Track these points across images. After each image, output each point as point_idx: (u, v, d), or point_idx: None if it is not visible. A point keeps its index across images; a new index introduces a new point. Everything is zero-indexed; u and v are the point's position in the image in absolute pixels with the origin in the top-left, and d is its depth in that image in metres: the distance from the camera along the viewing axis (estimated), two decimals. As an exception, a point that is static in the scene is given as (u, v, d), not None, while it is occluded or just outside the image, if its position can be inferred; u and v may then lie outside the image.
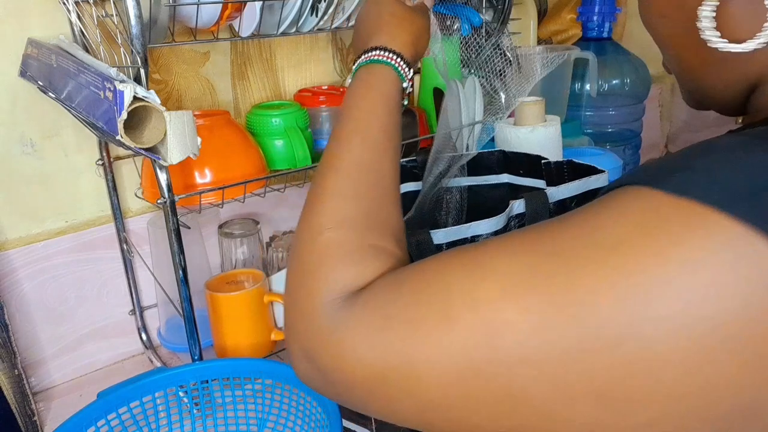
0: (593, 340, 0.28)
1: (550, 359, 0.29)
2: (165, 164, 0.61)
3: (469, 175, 0.79)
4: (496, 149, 0.78)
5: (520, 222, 0.61)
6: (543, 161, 0.73)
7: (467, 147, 1.04)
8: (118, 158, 0.87)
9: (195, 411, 0.70)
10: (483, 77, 1.04)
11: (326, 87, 1.02)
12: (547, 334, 0.29)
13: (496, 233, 0.59)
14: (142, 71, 0.63)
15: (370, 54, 0.53)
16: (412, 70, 0.54)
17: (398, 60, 0.53)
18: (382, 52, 0.53)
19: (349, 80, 0.53)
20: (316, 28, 0.81)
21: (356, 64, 0.54)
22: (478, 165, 0.79)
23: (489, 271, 0.32)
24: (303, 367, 0.38)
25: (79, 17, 0.74)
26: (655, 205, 0.29)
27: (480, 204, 0.79)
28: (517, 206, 0.61)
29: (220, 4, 0.72)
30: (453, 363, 0.31)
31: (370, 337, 0.34)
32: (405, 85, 0.53)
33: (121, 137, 0.57)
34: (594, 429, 0.29)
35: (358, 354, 0.34)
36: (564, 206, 0.64)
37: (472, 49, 1.09)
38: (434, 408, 0.32)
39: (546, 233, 0.32)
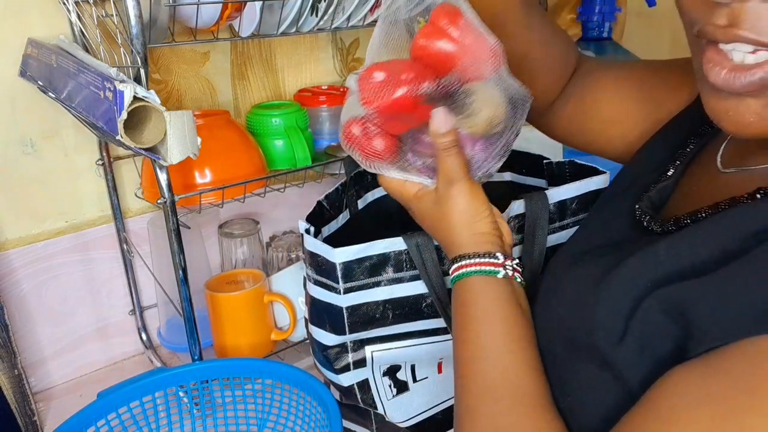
0: None
1: None
2: (165, 164, 0.61)
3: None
4: None
5: (519, 223, 0.61)
6: (545, 161, 0.73)
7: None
8: (118, 158, 0.87)
9: (195, 411, 0.70)
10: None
11: (326, 87, 1.02)
12: None
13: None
14: (142, 71, 0.63)
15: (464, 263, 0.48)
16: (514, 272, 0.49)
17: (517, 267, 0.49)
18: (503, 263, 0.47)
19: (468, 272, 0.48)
20: (316, 28, 0.81)
21: (478, 270, 0.47)
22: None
23: None
24: None
25: (79, 17, 0.74)
26: None
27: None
28: (517, 207, 0.61)
29: (220, 4, 0.72)
30: None
31: None
32: (519, 280, 0.49)
33: (121, 137, 0.57)
34: None
35: None
36: (564, 207, 0.64)
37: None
38: None
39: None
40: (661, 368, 0.34)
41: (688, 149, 0.48)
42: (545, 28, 0.60)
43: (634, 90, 0.57)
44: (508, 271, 0.47)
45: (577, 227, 0.65)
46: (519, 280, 0.49)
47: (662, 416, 0.32)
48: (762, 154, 0.41)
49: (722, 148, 0.45)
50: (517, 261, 0.49)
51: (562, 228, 0.64)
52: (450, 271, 0.49)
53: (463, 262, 0.47)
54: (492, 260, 0.47)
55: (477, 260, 0.47)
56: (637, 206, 0.47)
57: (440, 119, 0.47)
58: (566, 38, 0.63)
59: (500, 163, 0.51)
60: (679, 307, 0.34)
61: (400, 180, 0.52)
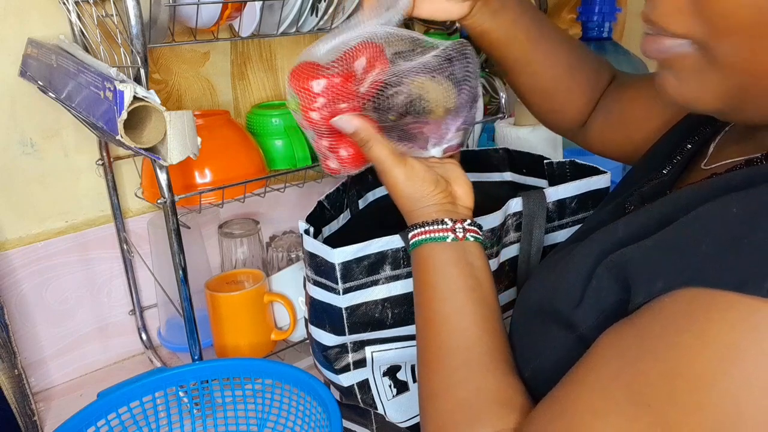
0: None
1: None
2: (165, 164, 0.61)
3: (473, 171, 0.79)
4: (500, 147, 0.78)
5: (517, 221, 0.61)
6: (545, 161, 0.73)
7: (467, 147, 1.04)
8: (118, 158, 0.87)
9: (195, 411, 0.70)
10: (483, 77, 1.04)
11: (326, 87, 1.02)
12: None
13: (492, 230, 0.59)
14: (142, 71, 0.63)
15: (462, 230, 0.50)
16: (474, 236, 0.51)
17: (474, 228, 0.51)
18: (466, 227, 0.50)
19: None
20: (316, 28, 0.81)
21: (439, 236, 0.50)
22: (482, 162, 0.79)
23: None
24: None
25: (79, 17, 0.74)
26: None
27: (482, 200, 0.79)
28: (515, 204, 0.61)
29: (220, 4, 0.72)
30: None
31: None
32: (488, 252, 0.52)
33: (121, 137, 0.57)
34: None
35: None
36: (563, 206, 0.64)
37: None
38: None
39: (617, 381, 0.33)
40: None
41: (686, 148, 0.49)
42: (571, 55, 0.63)
43: (650, 98, 0.59)
44: (458, 233, 0.50)
45: (576, 226, 0.65)
46: (472, 239, 0.51)
47: (588, 368, 0.36)
48: (736, 150, 0.43)
49: (712, 146, 0.46)
50: (469, 221, 0.51)
51: (561, 227, 0.65)
52: (407, 245, 0.53)
53: (415, 231, 0.51)
54: (440, 227, 0.50)
55: (426, 228, 0.50)
56: (627, 201, 0.48)
57: (343, 123, 0.51)
58: (594, 59, 0.66)
59: (465, 136, 0.55)
60: (621, 270, 0.37)
61: None
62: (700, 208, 0.34)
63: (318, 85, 0.50)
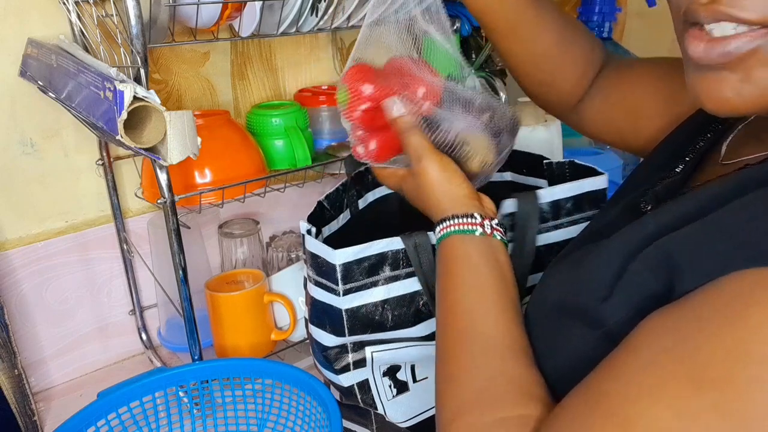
0: None
1: None
2: (165, 164, 0.61)
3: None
4: None
5: (512, 221, 0.61)
6: (545, 161, 0.73)
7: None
8: (118, 158, 0.87)
9: (195, 411, 0.70)
10: (483, 77, 1.04)
11: (326, 87, 1.02)
12: None
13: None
14: (142, 71, 0.63)
15: (484, 228, 0.51)
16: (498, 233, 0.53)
17: (498, 228, 0.52)
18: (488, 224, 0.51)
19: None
20: (316, 28, 0.81)
21: (464, 230, 0.51)
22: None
23: (643, 427, 0.31)
24: None
25: (79, 17, 0.74)
26: None
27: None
28: (508, 205, 0.61)
29: (220, 4, 0.72)
30: None
31: None
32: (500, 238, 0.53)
33: (121, 137, 0.57)
34: None
35: None
36: (559, 207, 0.64)
37: (472, 49, 1.09)
38: None
39: (670, 364, 0.31)
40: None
41: (698, 146, 0.49)
42: (563, 27, 0.62)
43: (655, 84, 0.59)
44: (486, 229, 0.51)
45: (572, 227, 0.65)
46: (499, 237, 0.52)
47: (632, 350, 0.34)
48: (757, 145, 0.42)
49: (726, 142, 0.46)
50: (496, 221, 0.53)
51: (557, 227, 0.65)
52: (435, 235, 0.53)
53: (445, 224, 0.52)
54: (470, 220, 0.51)
55: (456, 221, 0.51)
56: (642, 200, 0.48)
57: (391, 106, 0.54)
58: (588, 36, 0.65)
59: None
60: (665, 260, 0.36)
61: (391, 168, 0.58)
62: (747, 196, 0.33)
63: (369, 89, 0.55)
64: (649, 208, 0.46)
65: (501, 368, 0.44)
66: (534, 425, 0.39)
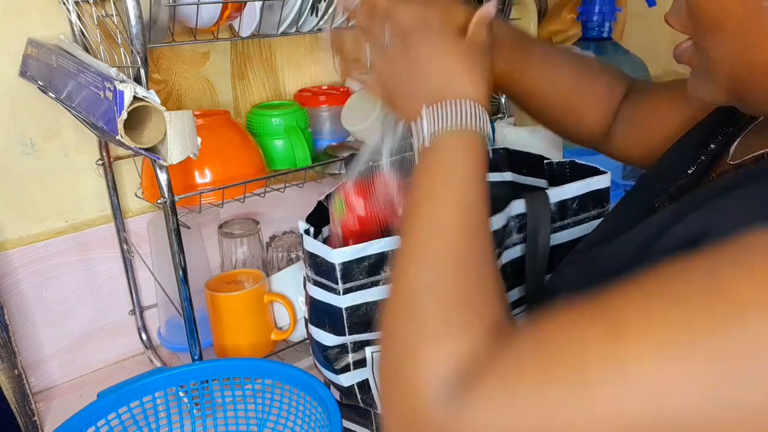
0: None
1: (729, 425, 0.27)
2: (165, 164, 0.61)
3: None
4: (500, 147, 0.78)
5: (520, 222, 0.61)
6: (545, 161, 0.73)
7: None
8: (118, 158, 0.87)
9: (195, 411, 0.70)
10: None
11: (326, 87, 1.02)
12: (722, 396, 0.27)
13: (494, 233, 0.59)
14: (142, 71, 0.63)
15: (462, 117, 0.44)
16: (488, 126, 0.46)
17: (482, 123, 0.45)
18: (472, 113, 0.44)
19: (421, 122, 0.45)
20: (316, 28, 0.81)
21: (436, 115, 0.44)
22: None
23: (638, 334, 0.29)
24: None
25: (79, 17, 0.74)
26: None
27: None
28: (517, 206, 0.60)
29: (220, 4, 0.72)
30: None
31: (495, 422, 0.30)
32: (489, 149, 0.46)
33: (121, 137, 0.57)
34: None
35: None
36: (565, 207, 0.64)
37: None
38: None
39: (692, 282, 0.29)
40: None
41: (709, 148, 0.49)
42: (577, 73, 0.64)
43: (672, 103, 0.60)
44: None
45: (577, 227, 0.65)
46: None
47: (635, 281, 0.31)
48: (762, 144, 0.43)
49: (735, 143, 0.47)
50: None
51: (563, 228, 0.64)
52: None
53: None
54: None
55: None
56: (656, 201, 0.48)
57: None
58: (605, 71, 0.67)
59: None
60: (689, 234, 0.35)
61: None
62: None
63: (361, 208, 0.61)
64: (664, 206, 0.47)
65: (472, 287, 0.38)
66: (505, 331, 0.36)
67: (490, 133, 0.45)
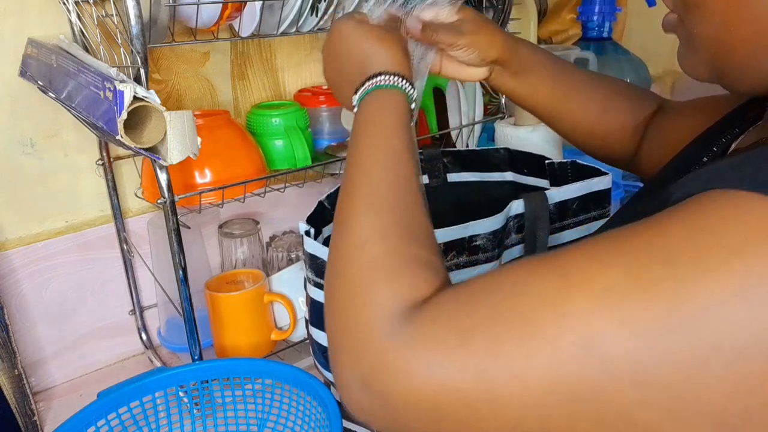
0: (711, 352, 0.26)
1: (660, 378, 0.26)
2: (165, 164, 0.61)
3: (474, 171, 0.79)
4: (501, 147, 0.78)
5: (519, 222, 0.61)
6: (547, 161, 0.73)
7: (467, 146, 1.04)
8: (118, 158, 0.87)
9: (195, 411, 0.70)
10: None
11: (326, 87, 1.02)
12: (656, 349, 0.26)
13: (494, 233, 0.59)
14: (142, 71, 0.63)
15: (375, 80, 0.49)
16: (415, 90, 0.50)
17: (404, 82, 0.49)
18: (387, 77, 0.49)
19: (355, 110, 0.50)
20: (316, 28, 0.81)
21: (362, 91, 0.49)
22: (482, 162, 0.79)
23: (580, 280, 0.29)
24: (357, 397, 0.34)
25: (79, 17, 0.74)
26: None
27: (483, 199, 0.79)
28: (516, 206, 0.60)
29: (220, 4, 0.72)
30: (541, 382, 0.28)
31: (442, 354, 0.30)
32: (413, 106, 0.50)
33: (121, 137, 0.57)
34: None
35: (429, 373, 0.30)
36: (565, 207, 0.64)
37: None
38: None
39: (639, 237, 0.30)
40: None
41: (723, 140, 0.49)
42: (605, 95, 0.65)
43: (696, 120, 0.60)
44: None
45: (577, 227, 0.65)
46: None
47: (581, 242, 0.32)
48: (762, 134, 0.43)
49: (745, 133, 0.47)
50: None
51: (564, 228, 0.65)
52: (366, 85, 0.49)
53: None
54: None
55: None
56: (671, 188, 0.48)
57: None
58: (633, 91, 0.67)
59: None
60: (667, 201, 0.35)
61: None
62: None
63: None
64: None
65: (423, 219, 0.41)
66: (446, 278, 0.37)
67: (411, 90, 0.49)
